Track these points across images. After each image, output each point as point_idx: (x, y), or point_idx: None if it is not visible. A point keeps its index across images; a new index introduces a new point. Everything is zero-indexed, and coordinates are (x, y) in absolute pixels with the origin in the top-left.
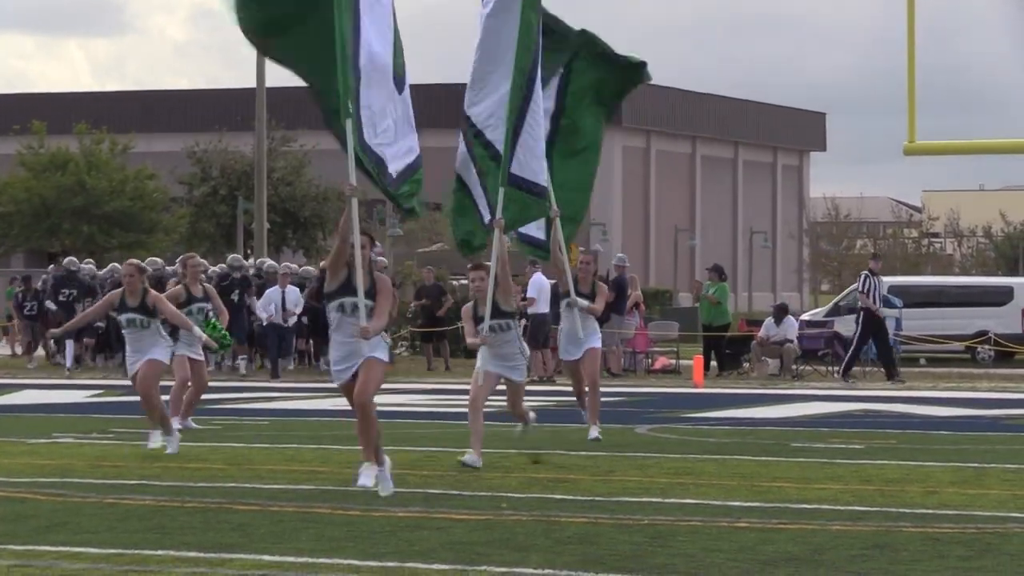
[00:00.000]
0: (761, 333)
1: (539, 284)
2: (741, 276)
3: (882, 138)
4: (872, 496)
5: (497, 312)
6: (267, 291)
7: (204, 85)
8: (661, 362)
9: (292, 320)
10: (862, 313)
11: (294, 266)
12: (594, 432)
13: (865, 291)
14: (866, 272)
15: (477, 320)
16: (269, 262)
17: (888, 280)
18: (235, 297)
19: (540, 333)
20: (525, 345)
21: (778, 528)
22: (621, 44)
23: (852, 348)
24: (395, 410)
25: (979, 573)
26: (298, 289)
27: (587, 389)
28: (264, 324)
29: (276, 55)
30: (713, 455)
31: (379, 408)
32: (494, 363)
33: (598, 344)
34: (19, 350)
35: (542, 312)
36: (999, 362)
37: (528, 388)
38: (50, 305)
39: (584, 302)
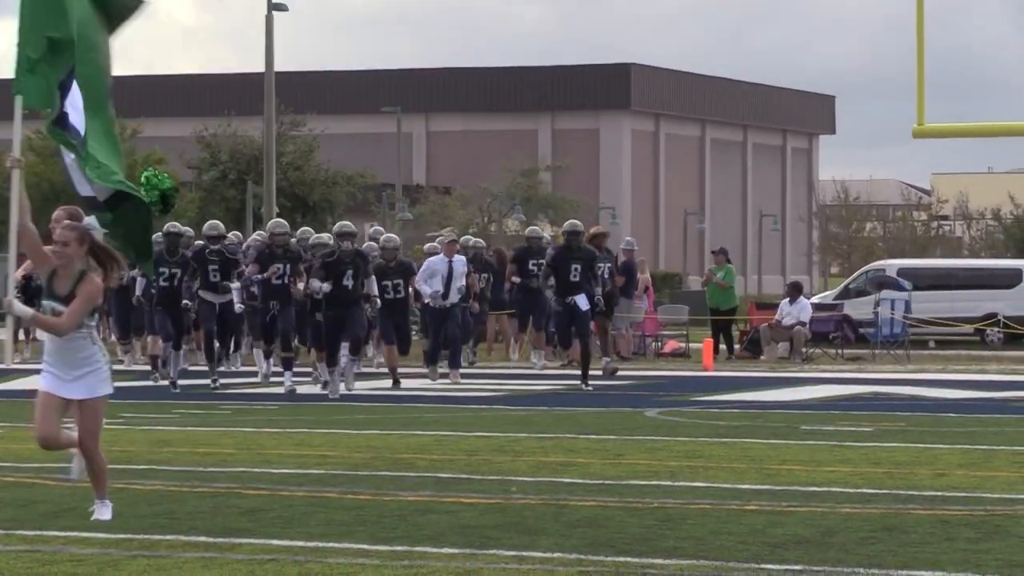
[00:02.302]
0: (777, 315)
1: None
2: (751, 259)
3: (891, 121)
4: (881, 479)
5: None
6: (428, 261)
7: (213, 69)
8: (671, 346)
9: (456, 298)
10: None
11: (461, 235)
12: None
13: None
14: None
15: None
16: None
17: (897, 263)
18: (348, 281)
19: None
20: None
21: (788, 511)
22: (633, 28)
23: None
24: (404, 394)
25: (988, 555)
26: (464, 259)
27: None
28: (425, 304)
29: None
30: (723, 438)
31: (388, 392)
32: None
33: (103, 391)
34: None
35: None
36: (1008, 344)
37: (540, 373)
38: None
39: (46, 316)
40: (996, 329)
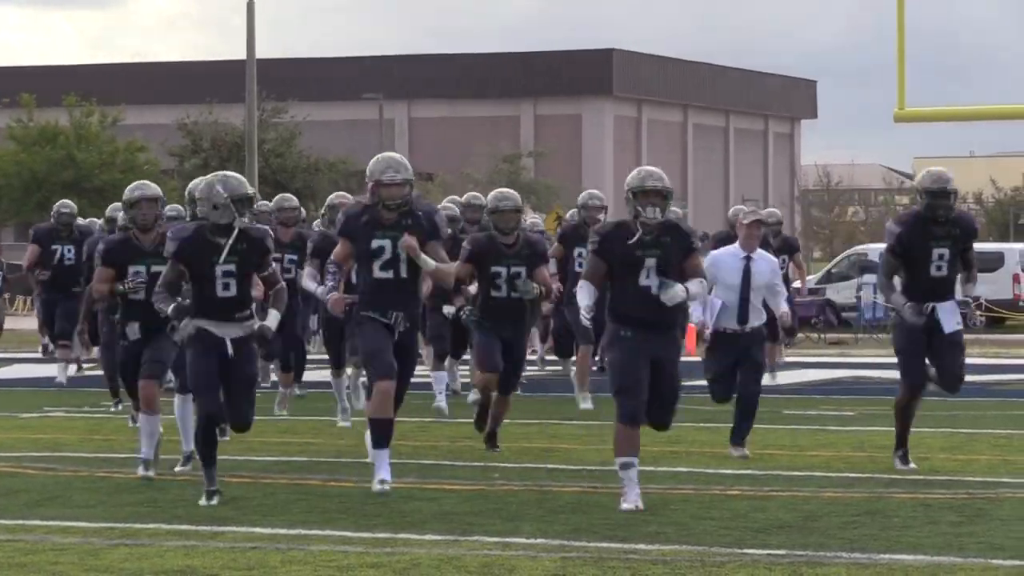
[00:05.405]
0: None
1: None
2: None
3: (873, 105)
4: (863, 463)
5: None
6: (713, 256)
7: (194, 57)
8: None
9: (758, 321)
10: None
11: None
12: None
13: None
14: None
15: None
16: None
17: (879, 247)
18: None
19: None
20: None
21: (770, 496)
22: (610, 11)
23: None
24: None
25: (970, 538)
26: (773, 259)
27: None
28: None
29: None
30: (706, 423)
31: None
32: None
33: None
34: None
35: None
36: (990, 328)
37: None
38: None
39: None
40: (978, 313)
